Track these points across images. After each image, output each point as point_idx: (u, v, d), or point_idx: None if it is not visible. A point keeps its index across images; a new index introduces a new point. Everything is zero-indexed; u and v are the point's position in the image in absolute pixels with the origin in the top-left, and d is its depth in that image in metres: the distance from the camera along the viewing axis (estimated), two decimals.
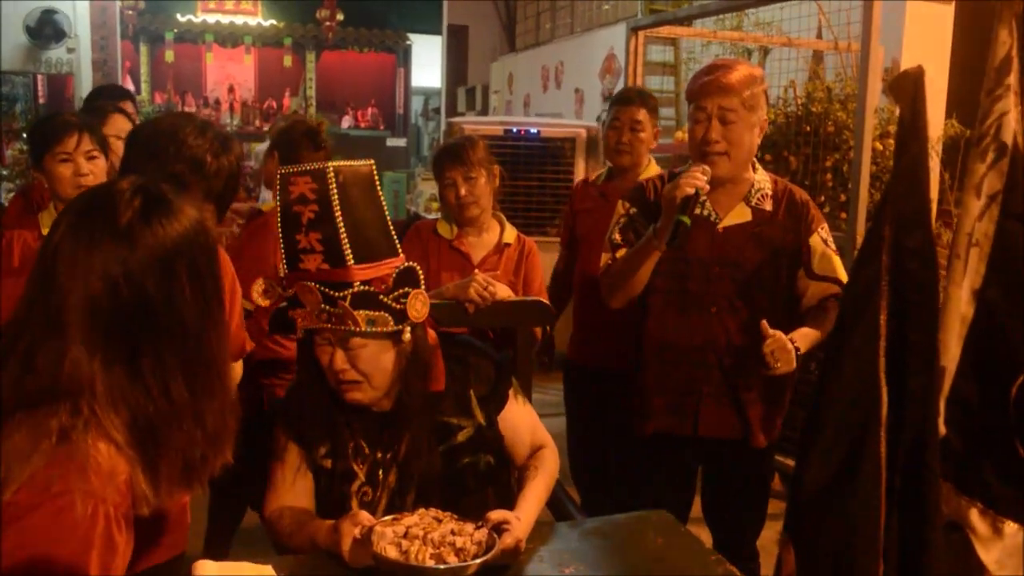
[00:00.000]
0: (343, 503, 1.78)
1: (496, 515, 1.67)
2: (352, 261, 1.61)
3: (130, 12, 12.01)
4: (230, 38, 13.53)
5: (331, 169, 1.61)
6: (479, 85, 12.41)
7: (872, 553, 0.90)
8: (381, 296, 1.65)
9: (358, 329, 1.65)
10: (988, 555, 1.07)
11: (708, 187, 2.18)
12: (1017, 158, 1.05)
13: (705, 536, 2.38)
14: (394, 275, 1.66)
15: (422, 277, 1.70)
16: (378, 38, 14.34)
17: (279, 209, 1.66)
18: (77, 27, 11.01)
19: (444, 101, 13.36)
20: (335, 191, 1.60)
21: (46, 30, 10.83)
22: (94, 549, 0.99)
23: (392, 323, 1.67)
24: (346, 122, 14.37)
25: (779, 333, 2.14)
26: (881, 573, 0.91)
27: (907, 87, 0.79)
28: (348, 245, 1.61)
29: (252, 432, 1.98)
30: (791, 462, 3.67)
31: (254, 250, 2.68)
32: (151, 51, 13.17)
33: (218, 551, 2.77)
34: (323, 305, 1.64)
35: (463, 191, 2.64)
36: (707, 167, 2.20)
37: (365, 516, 1.63)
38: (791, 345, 2.13)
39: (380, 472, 1.79)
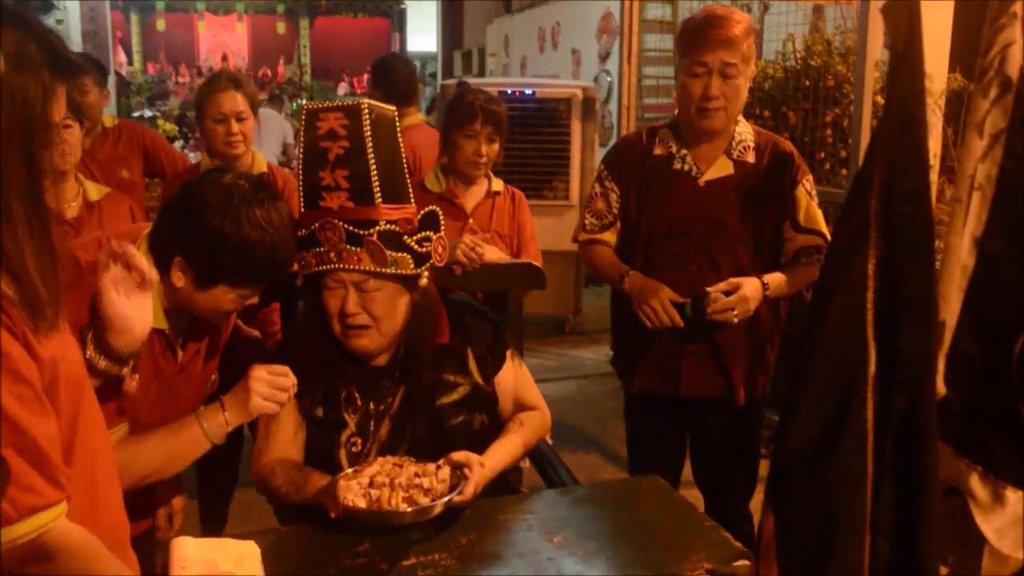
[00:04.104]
0: (331, 452, 1.76)
1: (458, 456, 1.67)
2: (380, 199, 1.62)
3: None
4: (222, 6, 13.37)
5: (366, 106, 1.62)
6: (475, 48, 12.23)
7: (856, 523, 0.84)
8: (405, 237, 1.66)
9: (379, 270, 1.64)
10: (988, 524, 1.01)
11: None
12: (1022, 94, 0.98)
13: (697, 499, 2.36)
14: (419, 216, 1.67)
15: (443, 223, 1.70)
16: (372, 2, 14.16)
17: (302, 146, 1.64)
18: None
19: (440, 65, 13.20)
20: (368, 128, 1.60)
21: (33, 1, 10.67)
22: None
23: (412, 266, 1.67)
24: (342, 89, 14.25)
25: (743, 286, 2.15)
26: (868, 545, 0.85)
27: (900, 13, 0.71)
28: (378, 182, 1.61)
29: None
30: None
31: None
32: (142, 20, 13.04)
33: (213, 527, 2.75)
34: (345, 244, 1.63)
35: (483, 149, 2.66)
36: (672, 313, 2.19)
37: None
38: (749, 293, 2.15)
39: (371, 423, 1.77)
